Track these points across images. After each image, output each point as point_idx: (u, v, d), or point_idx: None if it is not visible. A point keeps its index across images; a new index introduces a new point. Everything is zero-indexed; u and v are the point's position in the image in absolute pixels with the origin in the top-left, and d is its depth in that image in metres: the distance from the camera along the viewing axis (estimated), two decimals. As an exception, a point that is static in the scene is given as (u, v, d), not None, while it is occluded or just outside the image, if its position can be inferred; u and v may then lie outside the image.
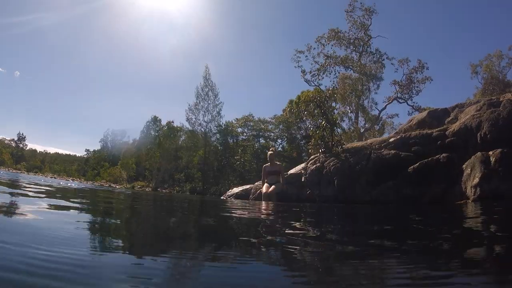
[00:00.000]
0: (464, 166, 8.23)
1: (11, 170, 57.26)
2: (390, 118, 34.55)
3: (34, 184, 9.14)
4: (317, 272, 1.92)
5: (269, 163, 10.55)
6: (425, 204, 8.26)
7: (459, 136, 9.07)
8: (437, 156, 8.69)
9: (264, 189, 10.13)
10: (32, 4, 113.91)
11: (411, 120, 11.84)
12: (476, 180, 7.58)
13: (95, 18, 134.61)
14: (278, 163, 10.96)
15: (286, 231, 3.35)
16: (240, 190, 11.96)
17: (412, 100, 31.80)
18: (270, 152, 10.82)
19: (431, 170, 8.52)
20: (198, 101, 42.19)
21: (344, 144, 11.31)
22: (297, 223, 4.14)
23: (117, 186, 44.00)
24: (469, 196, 7.73)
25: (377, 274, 1.85)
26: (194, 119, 42.37)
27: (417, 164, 8.68)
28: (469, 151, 8.51)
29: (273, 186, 9.87)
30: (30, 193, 6.06)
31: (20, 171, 61.71)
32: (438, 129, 9.73)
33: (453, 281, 1.74)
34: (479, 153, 8.03)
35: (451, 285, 1.69)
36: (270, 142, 43.48)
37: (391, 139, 10.10)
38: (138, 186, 49.03)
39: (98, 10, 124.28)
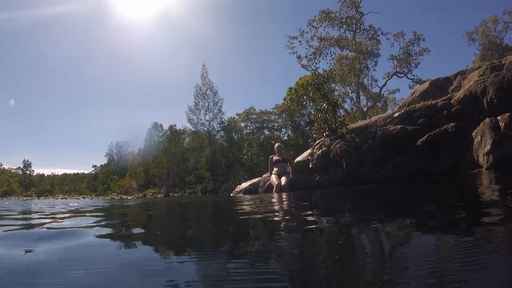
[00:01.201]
0: (473, 134, 8.00)
1: (21, 198, 57.64)
2: (392, 93, 34.33)
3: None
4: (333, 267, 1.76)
5: (276, 154, 10.42)
6: (437, 176, 8.05)
7: (465, 103, 8.82)
8: (444, 127, 8.45)
9: (273, 179, 9.97)
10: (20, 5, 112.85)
11: (413, 92, 11.57)
12: (488, 147, 7.36)
13: (85, 29, 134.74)
14: (286, 153, 10.82)
15: (300, 227, 3.15)
16: (249, 185, 11.77)
17: (411, 73, 31.38)
18: (278, 144, 10.66)
19: (440, 141, 8.29)
20: (197, 101, 42.10)
21: (348, 125, 11.07)
22: (310, 216, 3.93)
23: (129, 197, 44.00)
24: (482, 165, 7.51)
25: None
26: (196, 120, 42.30)
27: (425, 137, 8.44)
28: (477, 118, 8.27)
29: (283, 178, 9.67)
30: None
31: (30, 197, 62.17)
32: (443, 98, 9.47)
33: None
34: (487, 119, 7.79)
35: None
36: (275, 133, 43.33)
37: (396, 114, 9.86)
38: (150, 194, 49.06)
39: (87, 20, 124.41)
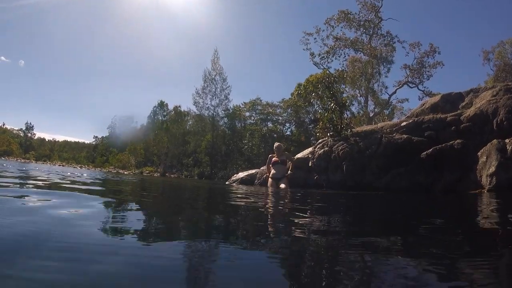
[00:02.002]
0: (479, 153, 7.86)
1: (19, 160, 57.94)
2: (400, 102, 34.08)
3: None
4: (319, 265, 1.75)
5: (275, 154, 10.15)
6: (438, 192, 7.92)
7: (475, 121, 8.66)
8: (451, 142, 8.31)
9: (270, 183, 9.78)
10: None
11: (423, 104, 11.38)
12: (492, 168, 7.22)
13: (100, 5, 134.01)
14: (286, 153, 10.59)
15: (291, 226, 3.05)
16: (245, 175, 11.67)
17: (423, 85, 31.18)
18: (277, 144, 10.36)
19: (445, 157, 8.15)
20: (205, 85, 42.06)
21: (354, 128, 10.92)
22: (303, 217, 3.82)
23: (125, 172, 44.15)
24: (484, 186, 7.37)
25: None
26: (201, 103, 42.32)
27: (430, 150, 8.29)
28: (485, 137, 8.14)
29: (282, 185, 9.42)
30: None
31: (29, 161, 62.37)
32: (453, 114, 9.31)
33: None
34: (495, 140, 7.65)
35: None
36: (278, 126, 43.19)
37: (403, 123, 9.70)
38: (147, 172, 49.15)
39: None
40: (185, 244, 2.05)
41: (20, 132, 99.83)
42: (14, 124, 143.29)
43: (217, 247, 2.03)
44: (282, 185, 9.39)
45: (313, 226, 2.98)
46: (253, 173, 11.53)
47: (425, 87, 31.04)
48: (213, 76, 41.93)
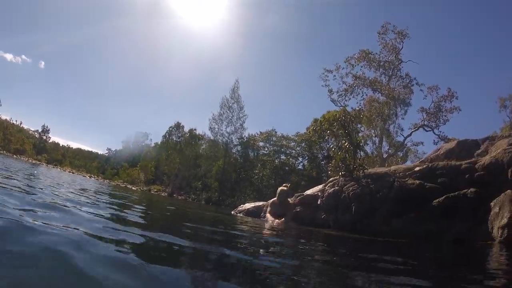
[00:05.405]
0: (492, 203, 7.73)
1: (31, 161, 58.54)
2: (415, 146, 33.67)
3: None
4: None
5: (276, 199, 9.46)
6: (448, 242, 7.75)
7: (489, 170, 8.57)
8: (464, 191, 8.20)
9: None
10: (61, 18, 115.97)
11: (439, 149, 11.31)
12: (505, 220, 7.09)
13: (123, 26, 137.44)
14: (290, 202, 9.96)
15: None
16: (252, 207, 11.58)
17: (438, 129, 30.82)
18: (281, 188, 9.71)
19: (457, 206, 8.02)
20: (222, 112, 42.38)
21: (367, 169, 10.83)
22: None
23: (133, 187, 44.31)
24: (495, 237, 7.24)
25: None
26: (217, 129, 42.57)
27: (443, 198, 8.19)
28: (499, 187, 8.00)
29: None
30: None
31: (40, 163, 62.81)
32: (467, 161, 9.21)
33: None
34: (509, 191, 7.54)
35: None
36: (291, 160, 43.05)
37: (417, 168, 9.61)
38: (155, 190, 49.16)
39: (125, 22, 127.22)
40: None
41: (35, 133, 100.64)
42: (31, 124, 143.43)
43: None
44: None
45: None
46: (259, 205, 11.43)
47: (440, 132, 30.65)
48: (230, 104, 42.33)
